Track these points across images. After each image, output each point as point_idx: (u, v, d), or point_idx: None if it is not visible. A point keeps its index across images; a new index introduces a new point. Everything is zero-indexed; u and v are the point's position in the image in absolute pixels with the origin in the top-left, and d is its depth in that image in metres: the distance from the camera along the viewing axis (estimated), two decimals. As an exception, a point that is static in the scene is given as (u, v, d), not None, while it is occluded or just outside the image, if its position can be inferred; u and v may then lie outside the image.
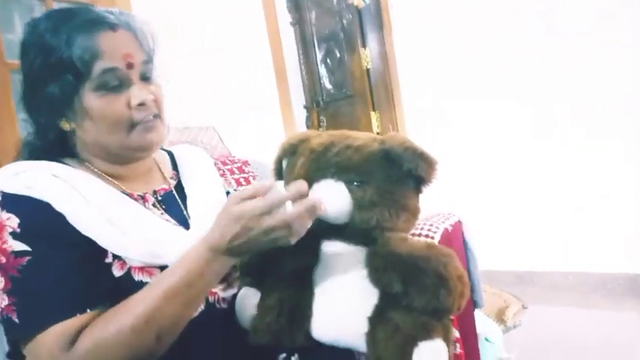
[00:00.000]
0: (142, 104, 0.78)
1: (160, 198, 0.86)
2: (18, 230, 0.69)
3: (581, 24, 2.25)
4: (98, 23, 0.76)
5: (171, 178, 0.92)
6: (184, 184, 0.91)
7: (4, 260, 0.67)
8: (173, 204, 0.87)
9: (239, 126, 2.52)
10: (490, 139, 2.63)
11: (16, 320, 0.65)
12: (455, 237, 1.18)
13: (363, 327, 0.69)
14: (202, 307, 0.76)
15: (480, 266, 1.27)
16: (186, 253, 0.70)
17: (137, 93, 0.78)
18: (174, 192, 0.89)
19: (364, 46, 3.06)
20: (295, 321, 0.73)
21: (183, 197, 0.88)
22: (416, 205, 0.77)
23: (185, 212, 0.86)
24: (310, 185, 0.73)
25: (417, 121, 2.92)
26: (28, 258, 0.67)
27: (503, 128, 2.57)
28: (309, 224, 0.68)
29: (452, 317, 0.74)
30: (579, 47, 2.28)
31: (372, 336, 0.68)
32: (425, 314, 0.67)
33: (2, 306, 0.66)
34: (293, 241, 0.67)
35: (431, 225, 1.14)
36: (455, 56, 2.69)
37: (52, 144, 0.81)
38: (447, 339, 0.69)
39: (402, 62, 2.93)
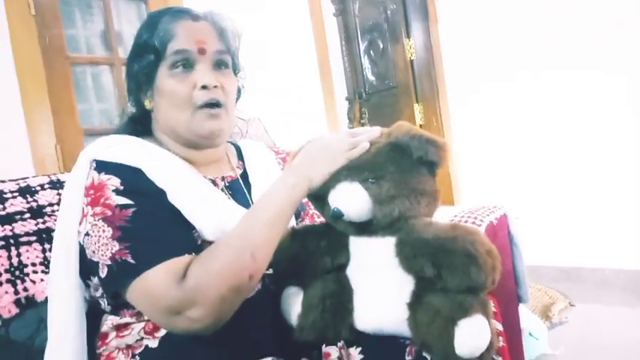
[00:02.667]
0: (204, 87, 0.83)
1: (227, 184, 0.92)
2: (121, 187, 0.75)
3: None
4: (182, 13, 0.87)
5: (237, 167, 0.98)
6: (249, 174, 0.97)
7: (109, 213, 0.73)
8: (239, 191, 0.92)
9: (283, 117, 2.56)
10: (537, 131, 2.55)
11: (132, 261, 0.70)
12: (500, 230, 1.17)
13: (404, 313, 0.71)
14: (259, 286, 0.81)
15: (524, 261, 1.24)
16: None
17: (202, 76, 0.83)
18: (240, 180, 0.95)
19: (408, 36, 3.02)
20: (339, 316, 0.76)
21: (248, 186, 0.94)
22: (434, 188, 0.78)
23: (250, 200, 0.92)
24: (327, 193, 0.76)
25: (462, 113, 2.87)
26: (132, 210, 0.74)
27: (550, 120, 2.50)
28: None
29: (488, 291, 0.74)
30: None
31: (413, 321, 0.70)
32: (461, 293, 0.69)
33: (113, 252, 0.71)
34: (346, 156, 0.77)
35: (475, 218, 1.13)
36: (501, 47, 2.62)
37: (137, 123, 0.90)
38: (485, 313, 0.70)
39: (447, 53, 2.89)
